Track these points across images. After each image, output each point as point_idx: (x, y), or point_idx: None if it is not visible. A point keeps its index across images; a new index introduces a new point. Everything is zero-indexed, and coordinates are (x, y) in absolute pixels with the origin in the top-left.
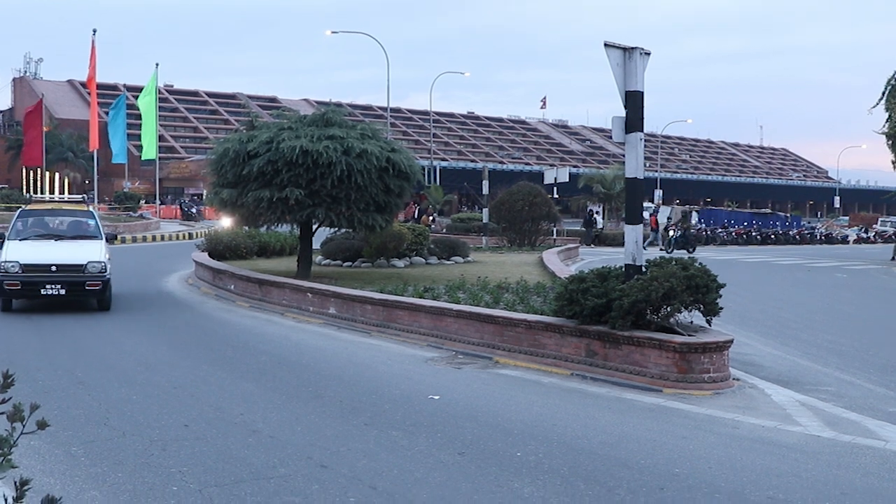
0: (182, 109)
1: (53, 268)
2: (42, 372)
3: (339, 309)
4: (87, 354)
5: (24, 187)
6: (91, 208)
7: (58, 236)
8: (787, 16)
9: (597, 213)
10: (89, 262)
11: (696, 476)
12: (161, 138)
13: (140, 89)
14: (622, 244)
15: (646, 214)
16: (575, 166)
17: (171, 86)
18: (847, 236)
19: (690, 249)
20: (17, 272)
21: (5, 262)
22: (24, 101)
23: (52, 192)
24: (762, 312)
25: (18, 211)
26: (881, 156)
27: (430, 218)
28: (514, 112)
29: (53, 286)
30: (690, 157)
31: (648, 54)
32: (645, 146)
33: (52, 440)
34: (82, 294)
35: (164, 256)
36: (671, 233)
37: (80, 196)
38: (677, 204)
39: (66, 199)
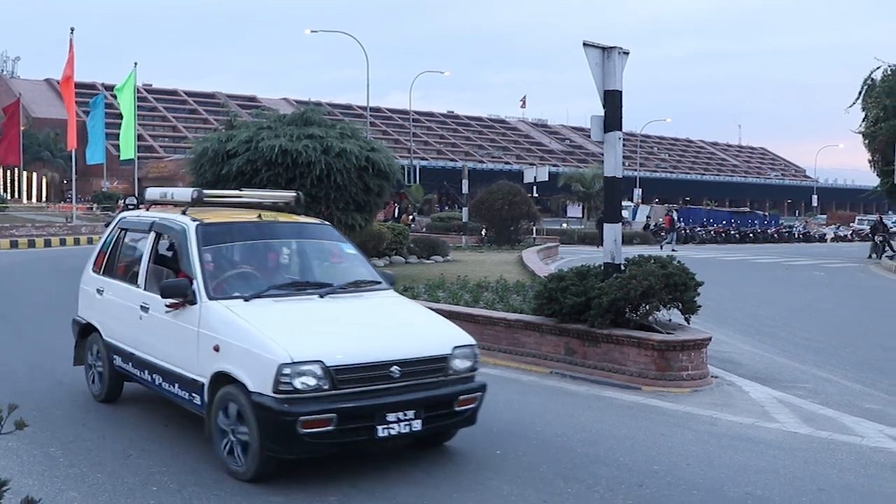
0: (161, 109)
1: (394, 369)
2: (20, 373)
3: None
4: (65, 357)
5: (2, 187)
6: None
7: (318, 285)
8: (765, 17)
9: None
10: (455, 347)
11: (674, 473)
12: (140, 137)
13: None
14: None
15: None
16: (554, 165)
17: (150, 85)
18: (825, 235)
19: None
20: (322, 387)
21: (292, 363)
22: (1, 99)
23: (29, 193)
24: (740, 310)
25: (188, 224)
26: (858, 155)
27: (410, 217)
28: (494, 111)
29: (402, 416)
30: (669, 156)
31: (627, 54)
32: (624, 145)
33: (30, 441)
34: (447, 423)
35: None
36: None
37: (292, 192)
38: (656, 203)
39: (272, 196)
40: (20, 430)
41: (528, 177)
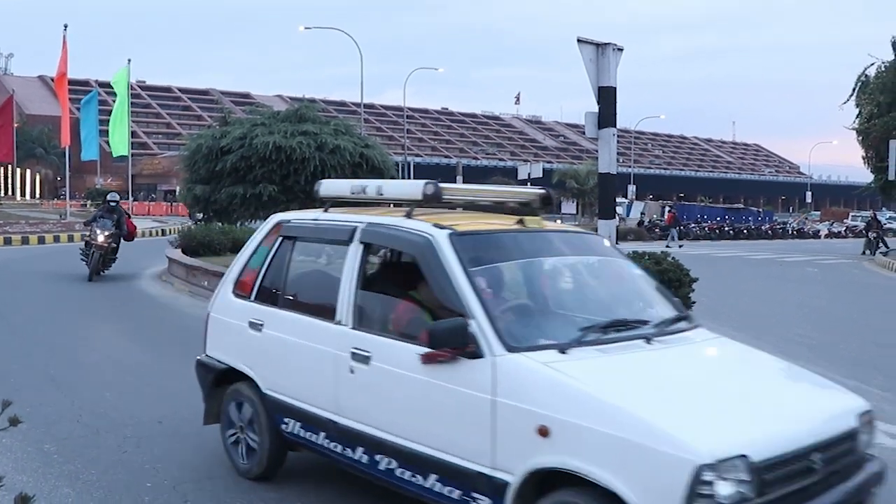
0: (155, 105)
1: (815, 457)
2: (14, 370)
3: None
4: (60, 353)
5: None
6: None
7: (631, 324)
8: (762, 14)
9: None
10: (859, 416)
11: None
12: (134, 134)
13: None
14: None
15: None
16: (549, 162)
17: (144, 82)
18: (818, 231)
19: None
20: (746, 496)
21: (715, 463)
22: None
23: (22, 190)
24: (734, 307)
25: (434, 234)
26: (852, 151)
27: None
28: (488, 108)
29: None
30: (664, 152)
31: (621, 50)
32: (618, 142)
33: (23, 438)
34: None
35: (135, 253)
36: None
37: (537, 189)
38: (651, 199)
39: (507, 192)
40: (14, 427)
41: (523, 173)
